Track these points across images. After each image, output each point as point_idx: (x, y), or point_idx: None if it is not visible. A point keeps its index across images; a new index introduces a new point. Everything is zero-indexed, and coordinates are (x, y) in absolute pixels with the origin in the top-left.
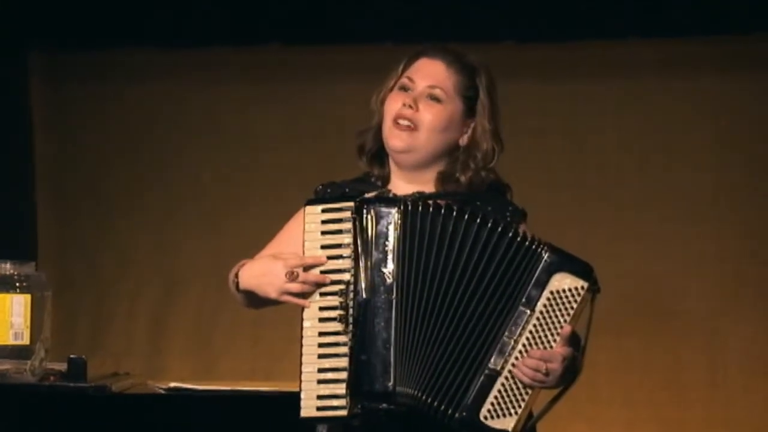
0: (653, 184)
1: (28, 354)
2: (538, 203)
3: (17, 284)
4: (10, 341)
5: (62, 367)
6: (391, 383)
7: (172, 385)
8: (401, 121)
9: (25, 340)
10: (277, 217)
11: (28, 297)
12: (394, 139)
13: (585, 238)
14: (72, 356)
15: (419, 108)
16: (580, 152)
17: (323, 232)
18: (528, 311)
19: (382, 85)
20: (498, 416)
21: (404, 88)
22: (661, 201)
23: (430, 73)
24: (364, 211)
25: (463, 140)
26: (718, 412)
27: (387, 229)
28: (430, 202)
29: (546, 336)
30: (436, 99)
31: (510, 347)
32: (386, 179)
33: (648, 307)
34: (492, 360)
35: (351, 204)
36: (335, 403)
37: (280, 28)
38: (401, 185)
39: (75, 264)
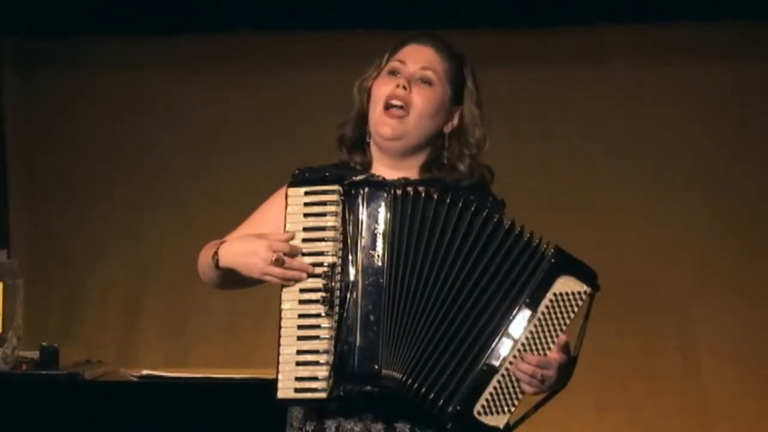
0: (623, 170)
1: (0, 342)
2: (507, 189)
3: None
4: None
5: (34, 355)
6: (377, 365)
7: (145, 372)
8: (394, 102)
9: None
10: (248, 206)
11: None
12: (384, 127)
13: (554, 225)
14: (44, 344)
15: (412, 90)
16: (549, 138)
17: (306, 215)
18: (530, 311)
19: (364, 74)
20: (491, 413)
21: (394, 72)
22: (630, 188)
23: (421, 57)
24: (353, 193)
25: (447, 128)
26: (689, 397)
27: (377, 212)
28: (421, 188)
29: (545, 337)
30: (427, 81)
31: (510, 345)
32: (367, 166)
33: (619, 293)
34: (490, 356)
35: (336, 187)
36: (314, 385)
37: (249, 16)
38: (384, 171)
39: (47, 252)
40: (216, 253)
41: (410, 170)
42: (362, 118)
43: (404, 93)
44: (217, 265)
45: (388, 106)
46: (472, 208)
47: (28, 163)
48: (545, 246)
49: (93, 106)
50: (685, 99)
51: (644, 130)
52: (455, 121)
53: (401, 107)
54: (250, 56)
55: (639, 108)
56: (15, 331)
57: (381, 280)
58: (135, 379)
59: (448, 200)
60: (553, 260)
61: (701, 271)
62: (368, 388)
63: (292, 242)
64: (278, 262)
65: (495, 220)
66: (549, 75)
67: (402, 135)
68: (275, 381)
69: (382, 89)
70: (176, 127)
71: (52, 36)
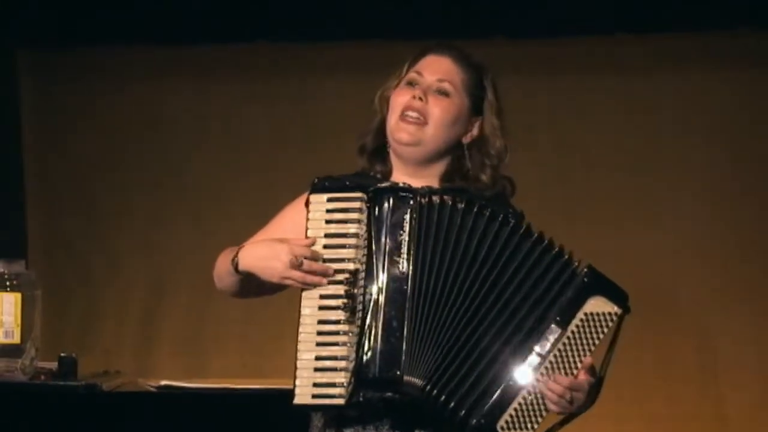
0: (641, 181)
1: (18, 353)
2: (524, 199)
3: (7, 283)
4: (1, 340)
5: (53, 365)
6: (399, 371)
7: (163, 383)
8: (410, 113)
9: (16, 339)
10: (265, 217)
11: (18, 295)
12: (401, 132)
13: (571, 235)
14: (62, 355)
15: (428, 101)
16: (567, 148)
17: (328, 221)
18: (560, 329)
19: (384, 84)
20: (514, 429)
21: (411, 83)
22: (648, 198)
23: (438, 68)
24: (379, 200)
25: (466, 138)
26: (707, 409)
27: (403, 219)
28: (447, 196)
29: (573, 356)
30: (444, 93)
31: (537, 362)
32: (387, 175)
33: (637, 304)
34: (517, 371)
35: (359, 194)
36: (333, 391)
37: (267, 26)
38: (404, 180)
39: (65, 263)
40: (236, 256)
41: (430, 179)
42: (383, 128)
43: (420, 104)
44: (236, 269)
45: (404, 116)
46: (500, 219)
47: (46, 174)
48: (576, 263)
49: (110, 117)
50: (702, 108)
51: (661, 139)
52: (475, 131)
53: (418, 118)
54: (266, 67)
55: (656, 117)
56: (33, 342)
57: (405, 287)
58: (153, 390)
59: (475, 209)
60: (586, 279)
61: (719, 281)
62: (389, 394)
63: (313, 248)
64: (297, 264)
65: (522, 231)
66: (565, 85)
67: (419, 141)
68: (292, 387)
69: (400, 99)
70: (194, 138)
71: (69, 47)
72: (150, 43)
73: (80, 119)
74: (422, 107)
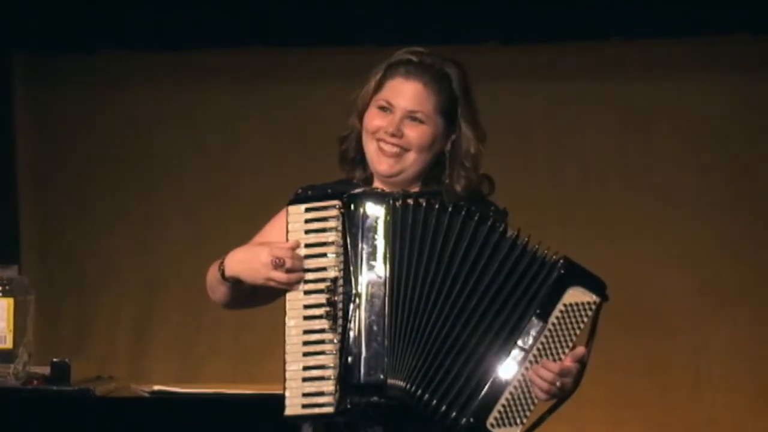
0: (634, 184)
1: (11, 358)
2: (519, 203)
3: (0, 288)
4: None
5: (46, 370)
6: (382, 375)
7: (156, 388)
8: (387, 147)
9: (8, 344)
10: (258, 221)
11: (11, 301)
12: (382, 165)
13: (566, 239)
14: (55, 360)
15: (404, 133)
16: (561, 153)
17: (307, 231)
18: (541, 322)
19: (357, 92)
20: (504, 425)
21: (383, 108)
22: (642, 202)
23: (409, 97)
24: (353, 206)
25: (447, 146)
26: (701, 411)
27: (377, 223)
28: (422, 198)
29: (556, 348)
30: (418, 120)
31: (522, 356)
32: (369, 182)
33: (630, 307)
34: (502, 367)
35: (335, 202)
36: (321, 400)
37: (260, 31)
38: (385, 188)
39: (58, 268)
40: (221, 264)
41: (411, 186)
42: (361, 139)
43: (395, 140)
44: (223, 276)
45: (382, 149)
46: (476, 217)
47: (39, 179)
48: (553, 256)
49: (104, 121)
50: (697, 114)
51: (656, 144)
52: (454, 139)
53: (396, 152)
54: (261, 71)
55: (651, 123)
56: (26, 347)
57: (383, 291)
58: (146, 395)
59: (450, 209)
60: (562, 271)
61: (713, 286)
62: (375, 398)
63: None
64: (279, 265)
65: (500, 229)
66: (560, 90)
67: (400, 171)
68: (283, 398)
69: (374, 123)
70: (188, 143)
71: (63, 51)
72: (144, 48)
73: (74, 123)
74: (398, 141)
